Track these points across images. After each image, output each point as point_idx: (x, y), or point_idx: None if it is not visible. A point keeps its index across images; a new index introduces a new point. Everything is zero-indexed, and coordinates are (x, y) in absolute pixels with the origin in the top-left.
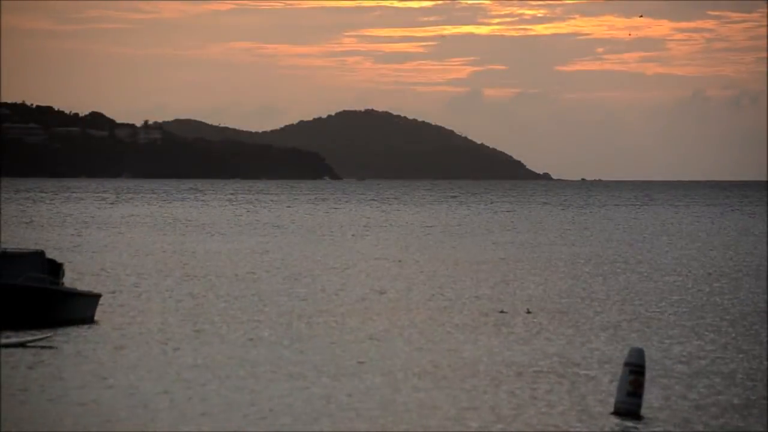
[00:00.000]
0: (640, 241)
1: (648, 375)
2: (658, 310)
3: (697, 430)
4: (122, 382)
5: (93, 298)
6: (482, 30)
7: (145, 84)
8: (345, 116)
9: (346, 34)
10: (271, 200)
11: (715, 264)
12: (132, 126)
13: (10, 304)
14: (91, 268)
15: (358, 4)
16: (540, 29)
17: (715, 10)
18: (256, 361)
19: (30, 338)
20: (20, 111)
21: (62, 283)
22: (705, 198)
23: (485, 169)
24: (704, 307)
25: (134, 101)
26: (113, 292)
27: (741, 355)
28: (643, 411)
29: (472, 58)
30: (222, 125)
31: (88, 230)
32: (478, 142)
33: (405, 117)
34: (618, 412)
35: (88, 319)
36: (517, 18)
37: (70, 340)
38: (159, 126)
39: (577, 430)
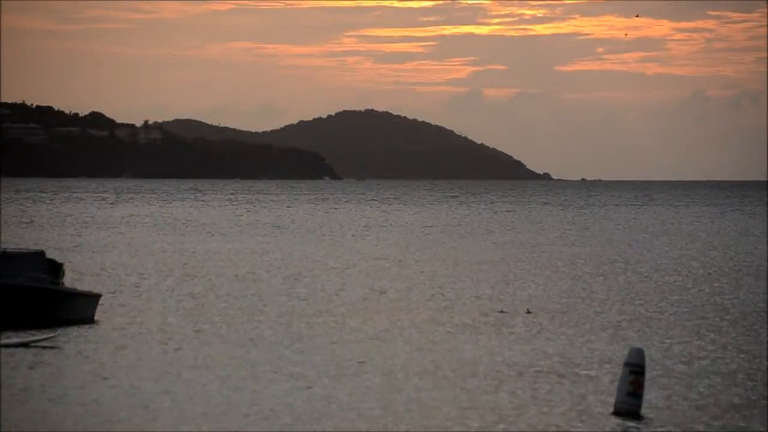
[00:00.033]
0: (640, 241)
1: (648, 375)
2: (658, 310)
3: (698, 430)
4: (123, 382)
5: (93, 298)
6: (482, 30)
7: (145, 84)
8: (345, 116)
9: (346, 34)
10: (271, 200)
11: (715, 264)
12: (132, 126)
13: (11, 304)
14: (91, 268)
15: (358, 4)
16: (540, 29)
17: (715, 10)
18: (257, 361)
19: (33, 338)
20: (20, 111)
21: (62, 283)
22: (705, 198)
23: (485, 169)
24: (704, 307)
25: (134, 101)
26: (113, 292)
27: (741, 355)
28: (643, 411)
29: (472, 58)
30: (222, 125)
31: (88, 230)
32: (478, 142)
33: (405, 117)
34: (618, 412)
35: (89, 319)
36: (517, 18)
37: (70, 340)
38: (159, 126)
39: (578, 430)
